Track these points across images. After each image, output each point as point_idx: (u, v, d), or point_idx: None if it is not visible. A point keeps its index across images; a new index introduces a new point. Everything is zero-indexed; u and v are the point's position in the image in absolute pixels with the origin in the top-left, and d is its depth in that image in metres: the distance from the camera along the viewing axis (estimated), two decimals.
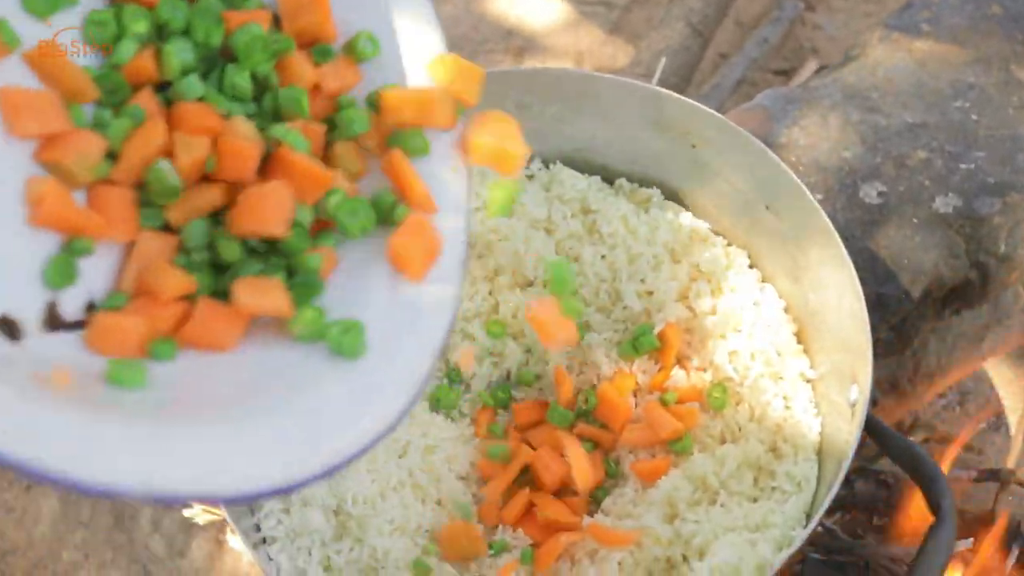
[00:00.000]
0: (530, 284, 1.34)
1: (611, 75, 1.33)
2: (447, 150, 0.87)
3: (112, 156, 0.79)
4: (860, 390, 1.15)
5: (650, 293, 1.31)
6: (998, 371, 1.83)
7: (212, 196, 0.79)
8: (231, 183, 0.80)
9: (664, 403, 1.27)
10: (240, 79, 0.82)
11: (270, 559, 1.16)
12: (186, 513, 1.50)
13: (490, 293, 1.35)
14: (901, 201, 1.50)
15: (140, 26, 0.80)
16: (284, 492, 0.70)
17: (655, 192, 1.37)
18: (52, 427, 0.65)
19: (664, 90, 1.31)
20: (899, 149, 1.54)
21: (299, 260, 0.80)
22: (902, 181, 1.52)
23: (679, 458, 1.24)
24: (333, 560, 1.16)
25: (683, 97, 1.29)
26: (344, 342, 0.77)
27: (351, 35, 0.88)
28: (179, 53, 0.81)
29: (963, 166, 1.53)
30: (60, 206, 0.74)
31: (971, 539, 1.42)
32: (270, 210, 0.78)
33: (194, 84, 0.81)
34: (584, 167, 1.38)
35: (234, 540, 1.69)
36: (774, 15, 2.22)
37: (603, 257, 1.32)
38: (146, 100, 0.80)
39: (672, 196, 1.37)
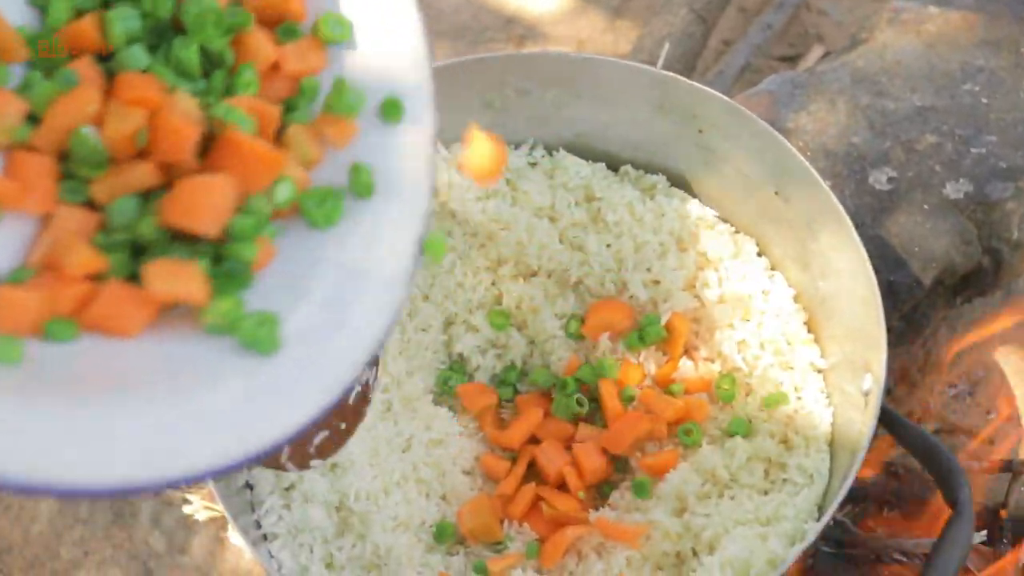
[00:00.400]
0: (534, 274, 1.31)
1: (611, 58, 1.30)
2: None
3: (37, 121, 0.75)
4: (874, 379, 1.12)
5: (656, 282, 1.28)
6: (1009, 361, 1.80)
7: (143, 174, 0.74)
8: (167, 163, 0.75)
9: (671, 395, 1.25)
10: (186, 53, 0.77)
11: (271, 556, 1.14)
12: (186, 510, 1.48)
13: (493, 283, 1.32)
14: (911, 187, 1.48)
15: None
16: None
17: (660, 179, 1.34)
18: None
19: (668, 73, 1.28)
20: (908, 134, 1.52)
21: (232, 249, 0.75)
22: (912, 166, 1.49)
23: (688, 451, 1.22)
24: (335, 557, 1.14)
25: (687, 80, 1.26)
26: (258, 336, 0.72)
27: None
28: (123, 20, 0.76)
29: (974, 150, 1.50)
30: None
31: (984, 532, 1.40)
32: (206, 205, 0.73)
33: (138, 54, 0.76)
34: (587, 153, 1.36)
35: (235, 537, 1.67)
36: (778, 0, 2.19)
37: (608, 246, 1.29)
38: (84, 67, 0.75)
39: (678, 182, 1.34)
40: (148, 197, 0.75)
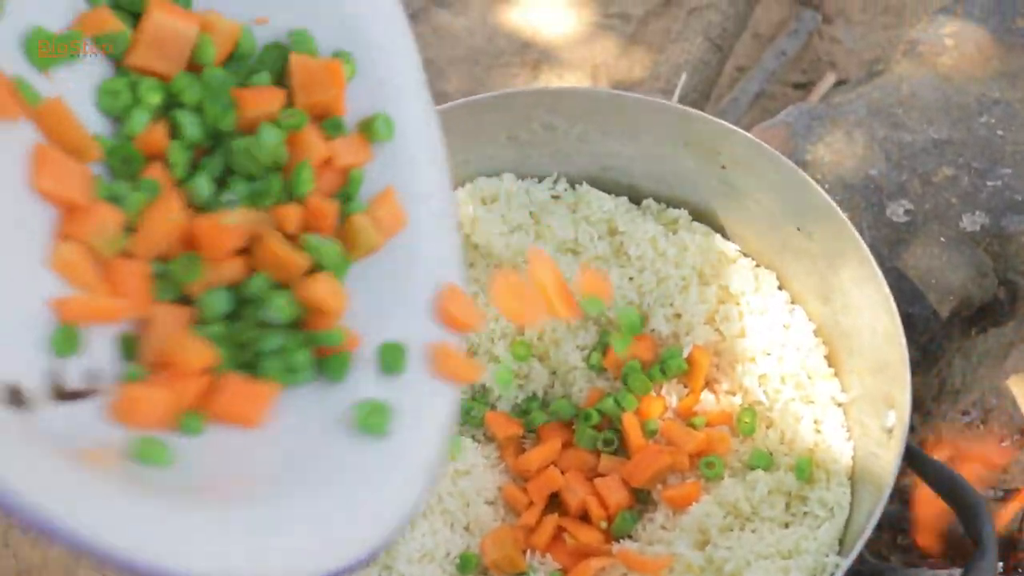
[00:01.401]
0: None
1: (638, 94, 1.32)
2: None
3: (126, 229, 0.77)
4: (898, 417, 1.13)
5: (678, 316, 1.29)
6: (1022, 389, 1.81)
7: (233, 270, 0.78)
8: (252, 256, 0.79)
9: (693, 428, 1.26)
10: (247, 159, 0.80)
11: None
12: None
13: None
14: (928, 219, 1.49)
15: (155, 98, 0.79)
16: None
17: (683, 213, 1.36)
18: (83, 495, 0.63)
19: (693, 110, 1.29)
20: (925, 166, 1.53)
21: (322, 336, 0.78)
22: (928, 199, 1.50)
23: (710, 483, 1.23)
24: None
25: (712, 117, 1.28)
26: (371, 423, 0.76)
27: (366, 114, 0.86)
28: (189, 128, 0.79)
29: (990, 183, 1.52)
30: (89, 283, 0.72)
31: (1000, 563, 1.41)
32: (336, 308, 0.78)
33: (203, 185, 0.79)
34: (611, 187, 1.37)
35: None
36: (792, 27, 2.20)
37: (631, 279, 1.30)
38: (158, 173, 0.78)
39: (700, 217, 1.36)
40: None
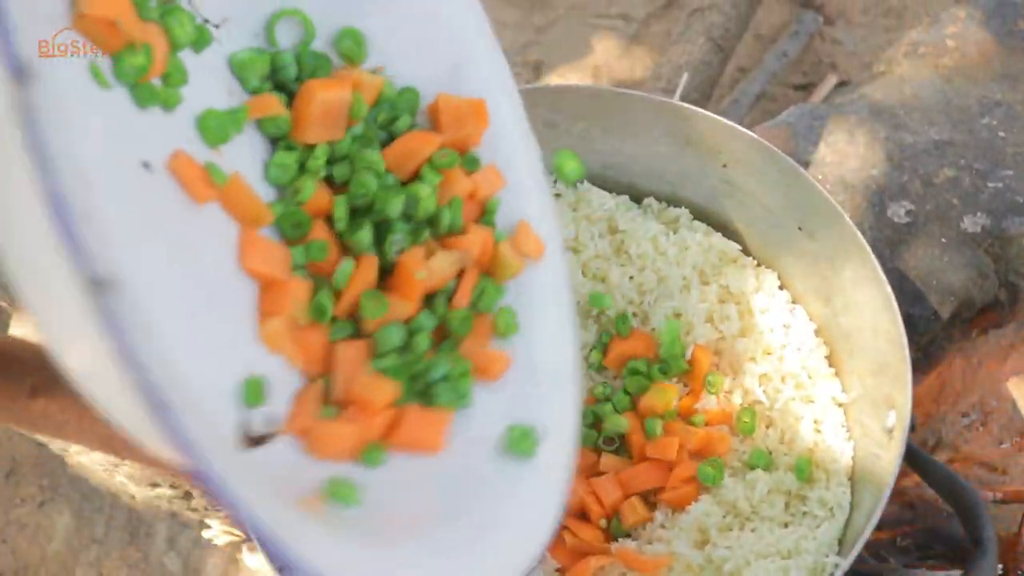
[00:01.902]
0: None
1: (640, 93, 1.32)
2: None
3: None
4: (898, 417, 1.13)
5: (679, 315, 1.29)
6: (1022, 391, 1.81)
7: (404, 308, 0.82)
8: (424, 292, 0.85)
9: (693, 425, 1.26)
10: (428, 203, 0.86)
11: None
12: (206, 535, 1.49)
13: None
14: (929, 220, 1.49)
15: (321, 162, 0.83)
16: None
17: (683, 212, 1.35)
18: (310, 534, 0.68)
19: (695, 108, 1.29)
20: (926, 167, 1.53)
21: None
22: (930, 199, 1.50)
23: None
24: None
25: (715, 115, 1.28)
26: (521, 447, 0.83)
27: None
28: (359, 199, 0.84)
29: (991, 184, 1.52)
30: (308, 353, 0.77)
31: (1000, 564, 1.41)
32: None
33: (366, 238, 0.83)
34: (612, 185, 1.37)
35: (249, 558, 1.68)
36: (793, 28, 2.20)
37: (631, 278, 1.30)
38: (323, 233, 0.83)
39: (701, 215, 1.35)
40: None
